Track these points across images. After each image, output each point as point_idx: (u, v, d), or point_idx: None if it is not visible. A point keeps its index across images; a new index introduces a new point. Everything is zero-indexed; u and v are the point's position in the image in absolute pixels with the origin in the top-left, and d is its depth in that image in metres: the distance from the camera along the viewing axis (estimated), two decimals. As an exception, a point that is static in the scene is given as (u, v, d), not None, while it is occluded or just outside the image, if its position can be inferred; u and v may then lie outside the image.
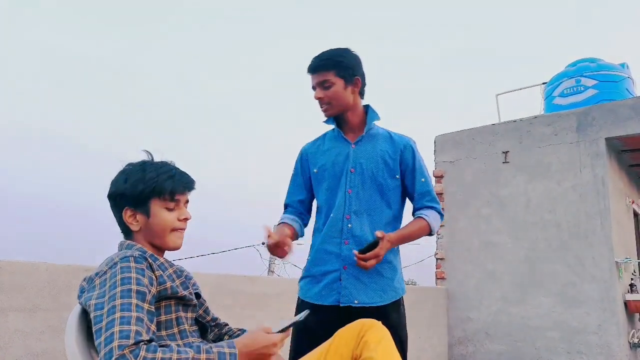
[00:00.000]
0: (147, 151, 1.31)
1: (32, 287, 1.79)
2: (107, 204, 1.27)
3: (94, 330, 1.03)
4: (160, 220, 1.23)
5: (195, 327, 1.27)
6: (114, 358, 0.94)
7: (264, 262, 9.49)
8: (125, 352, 0.95)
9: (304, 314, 1.27)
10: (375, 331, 1.33)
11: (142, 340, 0.99)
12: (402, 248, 1.82)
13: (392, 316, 1.69)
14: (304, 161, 1.90)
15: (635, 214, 5.61)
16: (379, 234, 1.60)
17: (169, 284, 1.18)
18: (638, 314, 4.71)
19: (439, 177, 5.37)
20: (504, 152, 4.99)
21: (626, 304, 4.45)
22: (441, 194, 5.26)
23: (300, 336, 1.67)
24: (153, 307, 1.11)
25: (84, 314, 1.15)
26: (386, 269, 1.72)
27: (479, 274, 4.90)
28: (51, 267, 1.86)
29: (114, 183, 1.25)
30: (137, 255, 1.14)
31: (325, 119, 1.82)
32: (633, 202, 5.39)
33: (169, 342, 1.12)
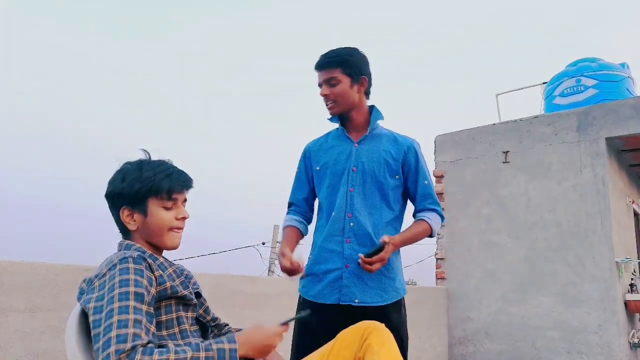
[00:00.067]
0: (145, 150, 1.30)
1: (32, 287, 1.79)
2: (106, 203, 1.26)
3: (92, 334, 1.03)
4: (158, 220, 1.22)
5: (196, 327, 1.27)
6: None
7: (264, 262, 9.51)
8: (121, 356, 0.96)
9: (305, 312, 1.27)
10: (378, 334, 1.32)
11: (140, 343, 0.99)
12: (403, 248, 1.83)
13: (392, 316, 1.69)
14: (307, 159, 1.90)
15: (636, 213, 5.61)
16: (385, 238, 1.61)
17: (168, 284, 1.18)
18: (638, 313, 4.70)
19: (439, 177, 5.36)
20: (504, 152, 4.99)
21: (626, 303, 4.45)
22: (441, 194, 5.26)
23: (302, 335, 1.68)
24: (152, 308, 1.11)
25: (84, 314, 1.14)
26: (388, 270, 1.73)
27: (479, 274, 4.90)
28: (51, 267, 1.86)
29: (111, 182, 1.24)
30: (136, 256, 1.13)
31: (330, 116, 1.82)
32: (633, 202, 5.39)
33: (169, 342, 1.12)
